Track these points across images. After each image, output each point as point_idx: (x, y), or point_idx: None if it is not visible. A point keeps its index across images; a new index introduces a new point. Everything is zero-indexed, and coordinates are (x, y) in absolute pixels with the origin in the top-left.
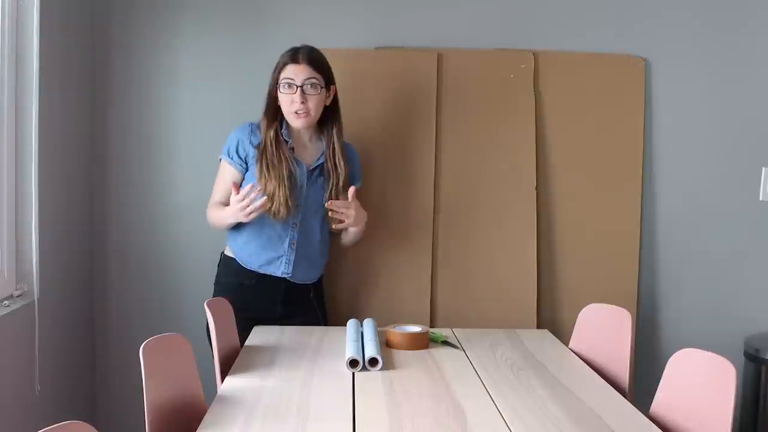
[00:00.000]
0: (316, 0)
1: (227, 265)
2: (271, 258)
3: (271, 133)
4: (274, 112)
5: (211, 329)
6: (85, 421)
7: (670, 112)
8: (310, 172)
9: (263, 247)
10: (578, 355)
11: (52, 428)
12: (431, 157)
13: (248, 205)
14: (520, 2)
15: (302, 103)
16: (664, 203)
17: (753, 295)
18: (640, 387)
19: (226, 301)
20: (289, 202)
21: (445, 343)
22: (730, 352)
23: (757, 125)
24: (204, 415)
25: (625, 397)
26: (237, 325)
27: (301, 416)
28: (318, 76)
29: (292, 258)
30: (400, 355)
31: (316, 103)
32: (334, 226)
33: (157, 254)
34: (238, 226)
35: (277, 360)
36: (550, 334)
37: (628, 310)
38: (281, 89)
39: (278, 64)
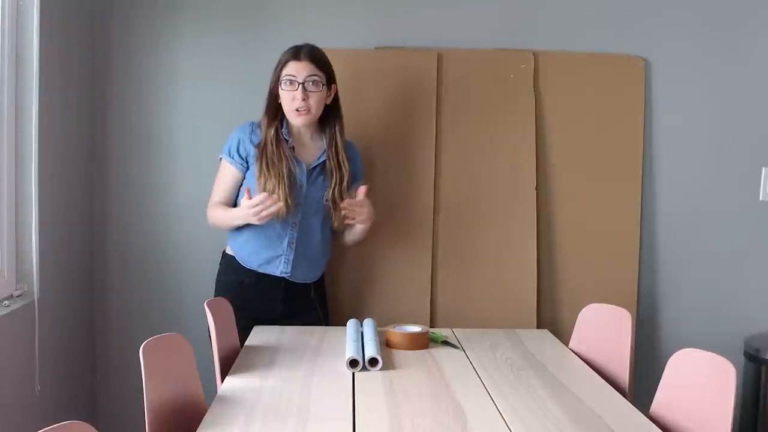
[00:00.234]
0: (316, 0)
1: (228, 263)
2: (270, 257)
3: (272, 131)
4: (274, 110)
5: (210, 329)
6: (85, 421)
7: (670, 112)
8: (310, 171)
9: (263, 247)
10: (578, 355)
11: (52, 428)
12: (431, 157)
13: (262, 210)
14: (520, 2)
15: (303, 100)
16: (664, 203)
17: (753, 295)
18: (640, 387)
19: (226, 301)
20: (289, 201)
21: (445, 343)
22: (730, 352)
23: (757, 125)
24: (204, 415)
25: (625, 397)
26: (237, 324)
27: (301, 416)
28: (320, 73)
29: (291, 257)
30: (400, 355)
31: (317, 101)
32: (345, 222)
33: (157, 254)
34: (239, 226)
35: (277, 360)
36: (550, 334)
37: (628, 310)
38: (282, 86)
39: (280, 61)
